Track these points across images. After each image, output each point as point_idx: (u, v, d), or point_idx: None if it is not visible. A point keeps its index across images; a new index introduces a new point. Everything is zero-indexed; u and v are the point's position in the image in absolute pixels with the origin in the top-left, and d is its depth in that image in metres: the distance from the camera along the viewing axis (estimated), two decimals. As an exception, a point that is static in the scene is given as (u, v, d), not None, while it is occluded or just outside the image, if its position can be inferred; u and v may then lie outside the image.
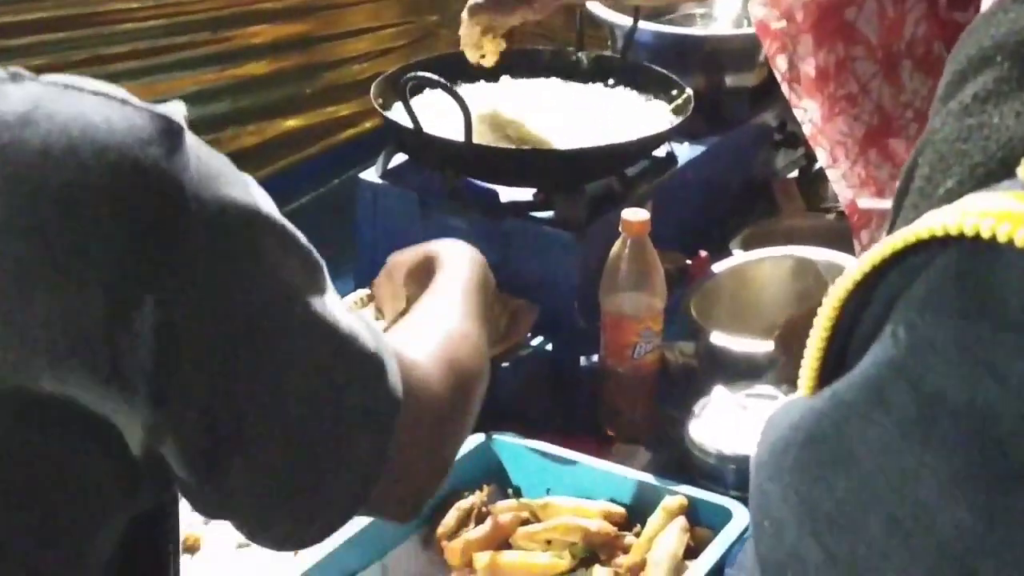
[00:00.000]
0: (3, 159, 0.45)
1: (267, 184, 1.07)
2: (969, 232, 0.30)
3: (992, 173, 0.35)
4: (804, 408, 0.37)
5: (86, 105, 0.47)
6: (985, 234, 0.30)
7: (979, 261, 0.31)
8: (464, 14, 1.18)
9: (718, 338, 1.15)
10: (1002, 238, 0.29)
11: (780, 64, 1.06)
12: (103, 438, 0.48)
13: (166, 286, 0.46)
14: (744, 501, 0.95)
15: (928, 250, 0.32)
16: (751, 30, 1.26)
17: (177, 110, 0.49)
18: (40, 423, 0.47)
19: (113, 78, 1.12)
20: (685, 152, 1.31)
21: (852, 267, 0.36)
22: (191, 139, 0.48)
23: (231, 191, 0.50)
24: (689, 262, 1.28)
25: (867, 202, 1.05)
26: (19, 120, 0.45)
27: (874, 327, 0.34)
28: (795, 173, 1.53)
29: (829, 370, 0.37)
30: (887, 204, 0.88)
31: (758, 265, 1.29)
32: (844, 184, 1.06)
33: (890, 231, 0.38)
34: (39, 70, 0.51)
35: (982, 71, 0.38)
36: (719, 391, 1.06)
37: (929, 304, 0.32)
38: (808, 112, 1.05)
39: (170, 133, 0.47)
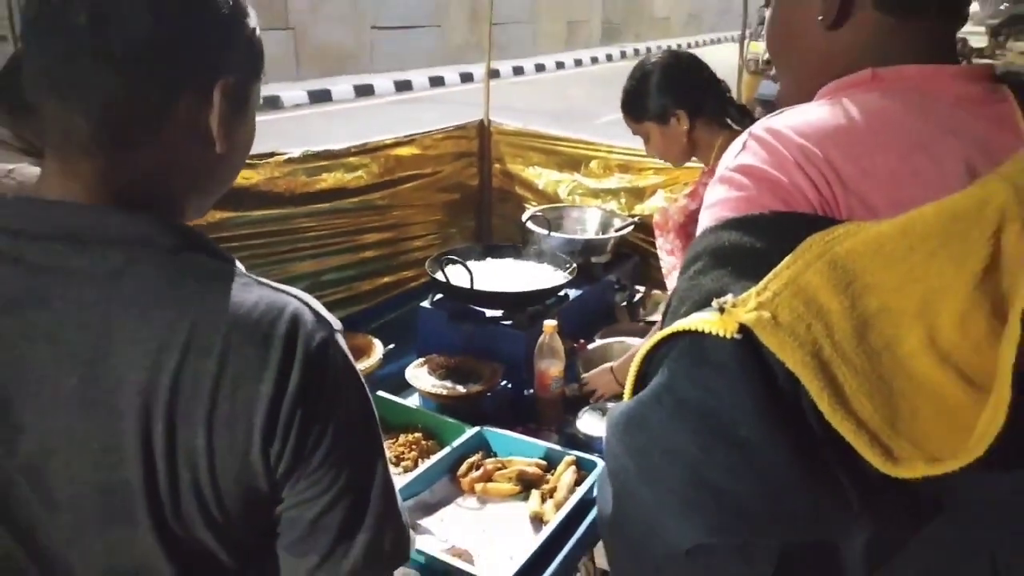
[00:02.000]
0: (243, 327, 0.59)
1: (377, 309, 1.84)
2: (694, 327, 0.49)
3: (700, 305, 0.53)
4: (625, 405, 0.55)
5: (291, 301, 0.63)
6: (699, 327, 0.49)
7: (696, 340, 0.50)
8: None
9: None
10: (705, 328, 0.48)
11: (660, 243, 1.70)
12: None
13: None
14: (603, 460, 1.14)
15: (676, 337, 0.51)
16: (605, 236, 2.10)
17: (337, 322, 0.65)
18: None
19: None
20: (573, 293, 1.97)
21: (645, 343, 0.55)
22: (340, 338, 0.65)
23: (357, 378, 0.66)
24: (576, 344, 1.91)
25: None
26: (252, 307, 0.60)
27: (655, 368, 0.53)
28: (624, 303, 2.21)
29: (637, 389, 0.55)
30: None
31: (607, 345, 1.88)
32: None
33: (661, 328, 0.55)
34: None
35: (695, 262, 0.58)
36: (589, 407, 1.68)
37: (676, 359, 0.52)
38: (666, 262, 1.68)
39: (332, 328, 0.64)
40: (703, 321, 0.50)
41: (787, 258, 0.52)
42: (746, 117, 1.74)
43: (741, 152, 0.61)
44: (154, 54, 0.60)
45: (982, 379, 0.50)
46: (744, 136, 0.63)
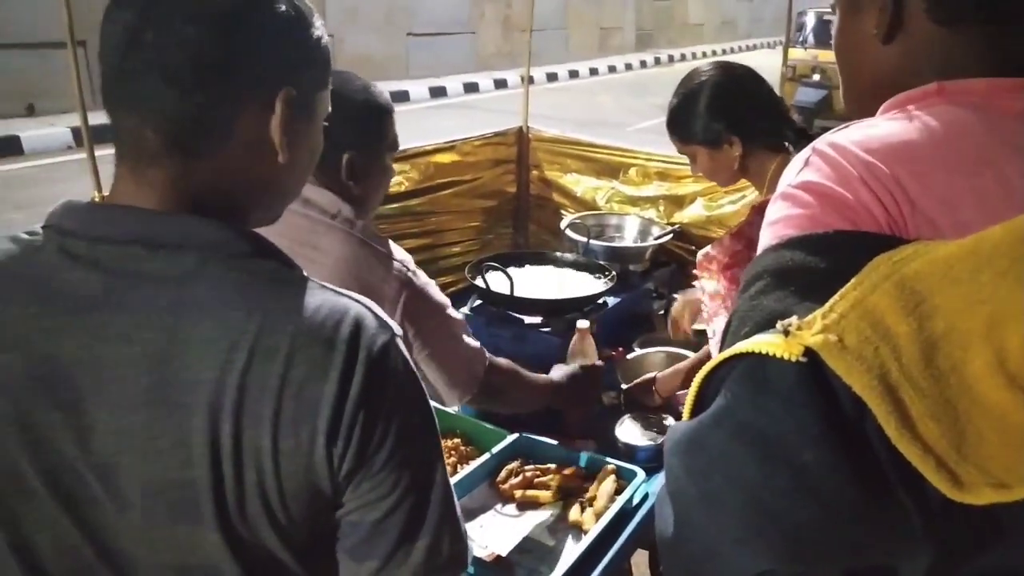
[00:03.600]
0: (308, 330, 0.61)
1: None
2: (757, 349, 0.47)
3: (763, 326, 0.51)
4: (685, 425, 0.53)
5: (353, 305, 0.64)
6: (762, 349, 0.47)
7: (758, 362, 0.48)
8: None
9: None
10: (768, 351, 0.47)
11: (703, 284, 1.53)
12: None
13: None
14: (643, 470, 1.41)
15: (738, 359, 0.49)
16: (643, 244, 2.09)
17: (397, 327, 0.66)
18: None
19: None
20: (612, 301, 1.98)
21: (708, 365, 0.53)
22: (400, 342, 0.66)
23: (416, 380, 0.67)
24: (614, 353, 1.88)
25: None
26: (316, 310, 0.62)
27: (716, 390, 0.51)
28: (662, 311, 2.14)
29: (696, 410, 0.53)
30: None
31: (646, 355, 1.87)
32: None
33: (721, 350, 0.53)
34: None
35: (756, 282, 0.56)
36: (628, 416, 1.66)
37: (738, 381, 0.50)
38: (708, 307, 1.52)
39: (393, 332, 0.66)
40: (767, 344, 0.49)
41: (853, 279, 0.51)
42: (803, 139, 1.53)
43: (804, 168, 0.60)
44: (218, 70, 0.62)
45: None
46: (807, 152, 0.62)
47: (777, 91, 1.70)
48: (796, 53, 7.75)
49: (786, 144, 1.55)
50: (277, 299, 0.62)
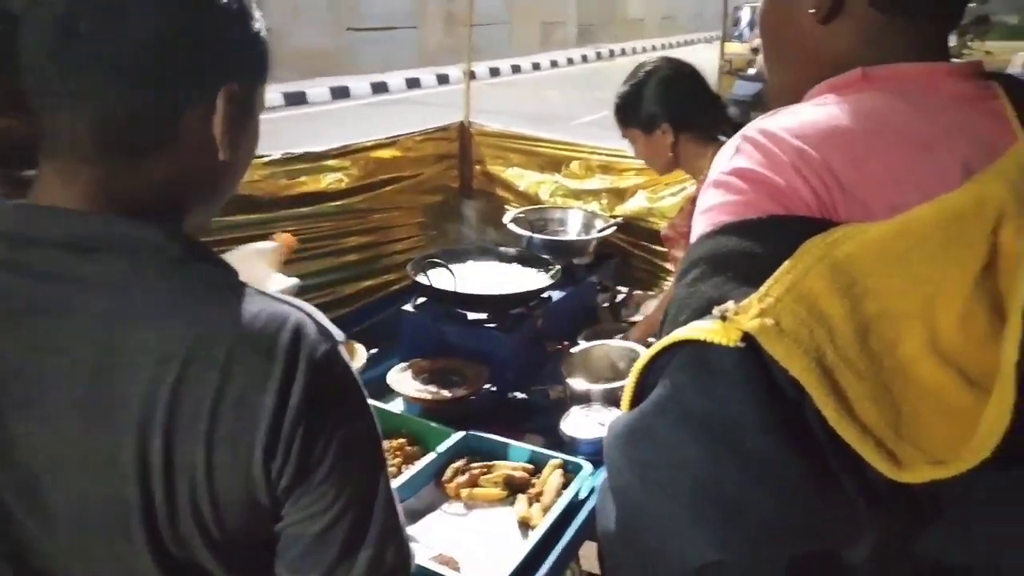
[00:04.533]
0: (246, 339, 0.58)
1: (359, 313, 1.78)
2: (696, 337, 0.49)
3: (700, 313, 0.52)
4: (627, 417, 0.55)
5: (292, 312, 0.62)
6: (701, 336, 0.49)
7: (698, 349, 0.49)
8: None
9: (574, 383, 1.68)
10: (707, 337, 0.48)
11: (676, 255, 1.74)
12: None
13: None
14: (590, 462, 1.41)
15: (678, 347, 0.51)
16: (587, 237, 2.10)
17: (339, 333, 0.64)
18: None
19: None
20: (557, 295, 1.97)
21: (646, 354, 0.54)
22: (343, 349, 0.64)
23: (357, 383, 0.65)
24: (560, 347, 1.90)
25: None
26: (254, 318, 0.59)
27: (655, 379, 0.53)
28: (607, 304, 2.23)
29: (636, 401, 0.55)
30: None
31: (591, 349, 1.83)
32: None
33: (660, 339, 0.55)
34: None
35: (692, 269, 0.56)
36: (574, 409, 1.62)
37: (679, 369, 0.51)
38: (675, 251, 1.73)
39: (335, 339, 0.63)
40: (705, 330, 0.49)
41: (787, 263, 0.51)
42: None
43: (735, 155, 0.60)
44: (160, 61, 0.59)
45: (982, 379, 0.50)
46: (736, 139, 0.61)
47: (715, 85, 1.84)
48: (732, 47, 7.92)
49: (720, 137, 1.68)
50: (214, 307, 0.59)
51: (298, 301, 0.64)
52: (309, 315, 0.63)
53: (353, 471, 0.63)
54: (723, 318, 0.49)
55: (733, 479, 0.48)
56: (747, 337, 0.48)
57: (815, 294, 0.49)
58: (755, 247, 0.54)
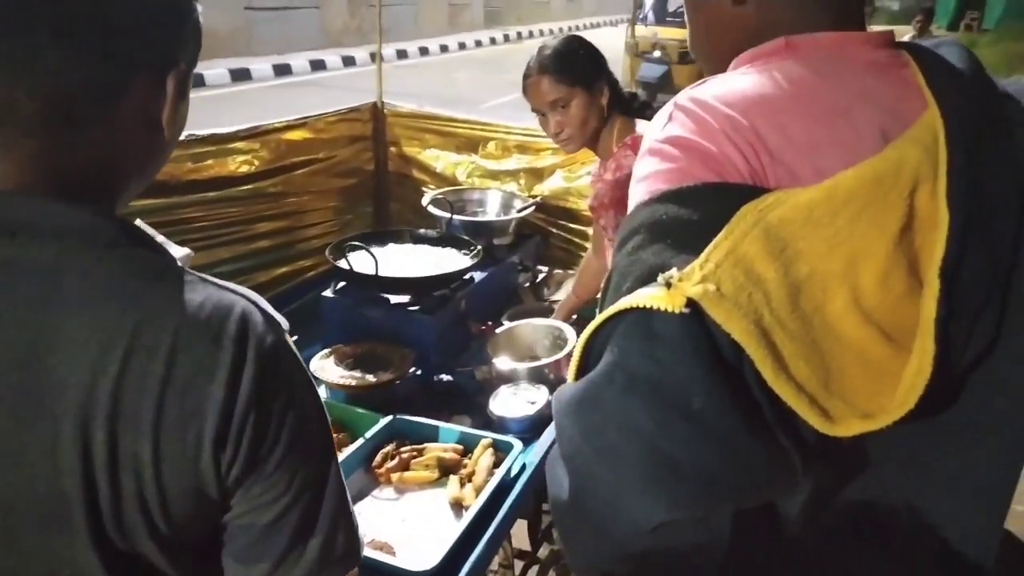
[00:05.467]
0: (192, 327, 0.57)
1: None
2: (641, 304, 0.50)
3: (644, 280, 0.53)
4: (574, 386, 0.56)
5: (238, 300, 0.61)
6: (646, 303, 0.50)
7: (643, 316, 0.50)
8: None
9: (500, 363, 1.72)
10: (652, 304, 0.50)
11: (603, 223, 1.71)
12: None
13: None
14: (520, 440, 1.43)
15: (621, 315, 0.52)
16: (506, 217, 2.11)
17: (284, 321, 0.63)
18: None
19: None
20: (479, 276, 1.97)
21: (592, 324, 0.55)
22: (289, 338, 0.63)
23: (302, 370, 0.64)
24: (484, 327, 1.93)
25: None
26: (200, 306, 0.58)
27: (601, 348, 0.54)
28: (528, 284, 2.25)
29: (582, 371, 0.56)
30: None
31: (515, 328, 1.87)
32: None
33: (600, 310, 0.55)
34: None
35: (632, 237, 0.58)
36: (502, 389, 1.64)
37: (625, 336, 0.52)
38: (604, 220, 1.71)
39: (282, 328, 0.63)
40: (650, 297, 0.50)
41: (725, 228, 0.52)
42: (647, 109, 1.75)
43: (668, 124, 0.61)
44: (112, 32, 0.57)
45: (901, 336, 0.53)
46: (669, 107, 0.63)
47: (621, 66, 1.92)
48: (638, 30, 8.05)
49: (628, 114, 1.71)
50: (155, 293, 0.57)
51: (242, 289, 0.62)
52: (255, 303, 0.61)
53: (304, 460, 0.62)
54: (668, 285, 0.50)
55: (681, 441, 0.49)
56: (691, 303, 0.49)
57: (751, 258, 0.51)
58: (692, 214, 0.55)
